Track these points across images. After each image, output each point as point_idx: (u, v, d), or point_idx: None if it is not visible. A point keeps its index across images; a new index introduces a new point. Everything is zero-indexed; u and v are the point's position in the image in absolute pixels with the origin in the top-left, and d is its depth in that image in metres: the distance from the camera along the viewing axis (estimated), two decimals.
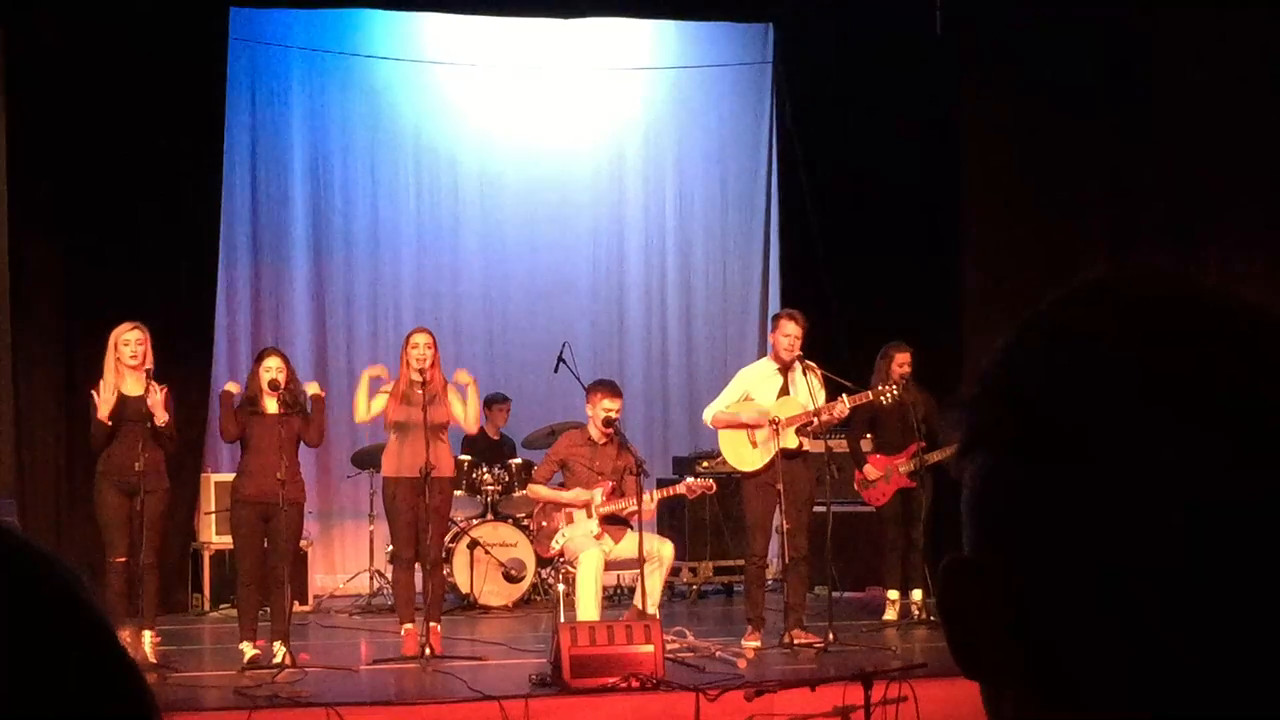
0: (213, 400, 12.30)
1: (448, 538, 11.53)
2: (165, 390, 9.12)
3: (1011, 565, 0.83)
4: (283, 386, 9.19)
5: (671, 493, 10.14)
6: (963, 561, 0.85)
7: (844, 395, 9.79)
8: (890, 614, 10.75)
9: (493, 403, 12.87)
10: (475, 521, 12.01)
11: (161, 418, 9.02)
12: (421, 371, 9.34)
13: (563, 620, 8.89)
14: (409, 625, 9.41)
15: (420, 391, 9.31)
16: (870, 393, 10.02)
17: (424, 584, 9.49)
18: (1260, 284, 11.54)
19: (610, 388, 9.92)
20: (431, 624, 9.30)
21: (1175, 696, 0.79)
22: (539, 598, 12.05)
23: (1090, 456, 0.80)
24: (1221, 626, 0.78)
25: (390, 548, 12.04)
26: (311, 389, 9.47)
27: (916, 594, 10.74)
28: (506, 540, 11.92)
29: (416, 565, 9.57)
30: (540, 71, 14.02)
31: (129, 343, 9.09)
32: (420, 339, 9.50)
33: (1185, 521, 0.78)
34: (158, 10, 11.67)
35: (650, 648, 8.19)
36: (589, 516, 9.70)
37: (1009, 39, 12.45)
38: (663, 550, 9.54)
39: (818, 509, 9.96)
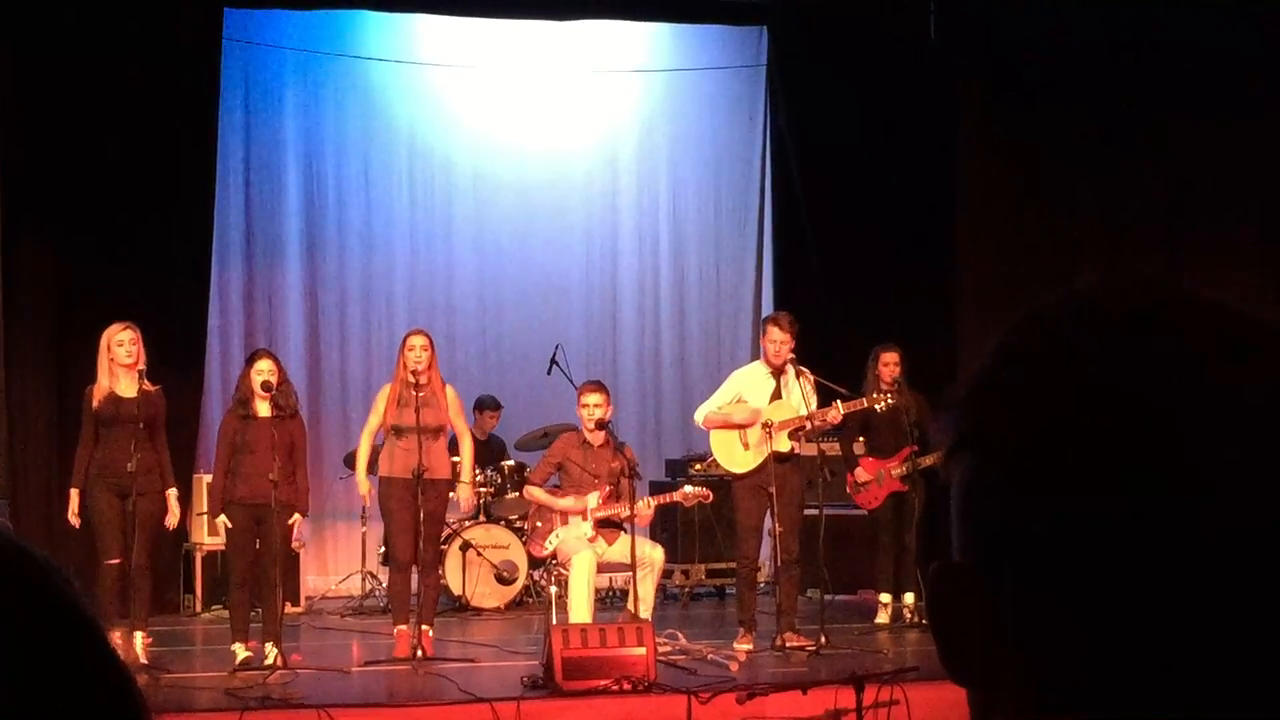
0: (205, 402, 12.32)
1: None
2: (177, 514, 9.33)
3: (998, 569, 0.83)
4: (275, 389, 9.18)
5: (668, 500, 10.14)
6: (951, 566, 0.85)
7: (838, 402, 9.77)
8: (882, 617, 10.75)
9: (483, 407, 12.83)
10: (467, 523, 12.00)
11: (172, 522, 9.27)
12: (416, 374, 9.34)
13: (555, 622, 8.88)
14: (402, 627, 9.39)
15: (416, 393, 9.31)
16: (865, 400, 10.01)
17: (419, 586, 9.47)
18: (1252, 284, 11.55)
19: (592, 385, 9.92)
20: (424, 627, 9.28)
21: (1168, 703, 0.79)
22: (531, 600, 12.04)
23: (1075, 462, 0.80)
24: (1214, 632, 0.78)
25: (383, 549, 12.06)
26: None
27: (909, 597, 10.74)
28: (499, 542, 11.91)
29: (412, 567, 9.55)
30: (534, 73, 14.01)
31: (123, 343, 9.07)
32: (416, 341, 9.49)
33: (1172, 527, 0.78)
34: (152, 11, 11.65)
35: (642, 650, 8.19)
36: (584, 520, 9.70)
37: (1002, 42, 12.46)
38: (654, 555, 9.53)
39: (809, 512, 9.96)
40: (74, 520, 9.05)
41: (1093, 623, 0.80)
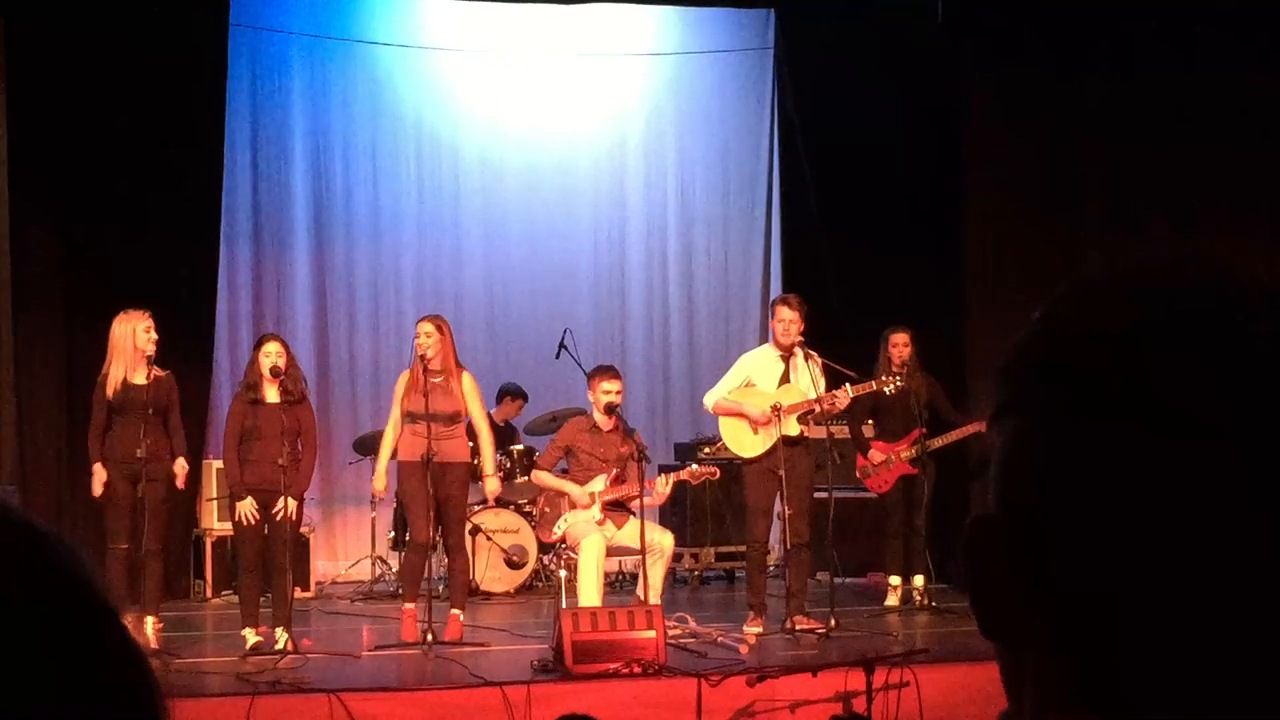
0: (214, 389, 12.34)
1: None
2: (185, 471, 9.31)
3: (1037, 525, 0.83)
4: (283, 372, 9.18)
5: (676, 478, 10.14)
6: (989, 519, 0.86)
7: (847, 385, 9.75)
8: (892, 600, 10.75)
9: (511, 395, 12.82)
10: (477, 508, 12.01)
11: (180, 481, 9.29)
12: (425, 359, 9.38)
13: (565, 606, 8.89)
14: (409, 605, 9.39)
15: (427, 379, 9.34)
16: (874, 383, 10.00)
17: (440, 569, 9.50)
18: (1260, 267, 11.51)
19: (608, 371, 9.91)
20: (454, 611, 9.35)
21: (1205, 667, 0.79)
22: (541, 584, 12.06)
23: (1119, 422, 0.81)
24: (1242, 599, 0.78)
25: (392, 533, 12.10)
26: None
27: (918, 580, 10.74)
28: (509, 526, 11.93)
29: (428, 549, 9.57)
30: (542, 57, 14.00)
31: (149, 329, 9.11)
32: (422, 328, 9.54)
33: (1216, 494, 0.79)
34: None
35: (652, 633, 8.20)
36: (592, 503, 9.70)
37: (1010, 24, 12.42)
38: (663, 541, 9.52)
39: (819, 494, 9.96)
40: (99, 491, 9.04)
41: (1123, 584, 0.80)
